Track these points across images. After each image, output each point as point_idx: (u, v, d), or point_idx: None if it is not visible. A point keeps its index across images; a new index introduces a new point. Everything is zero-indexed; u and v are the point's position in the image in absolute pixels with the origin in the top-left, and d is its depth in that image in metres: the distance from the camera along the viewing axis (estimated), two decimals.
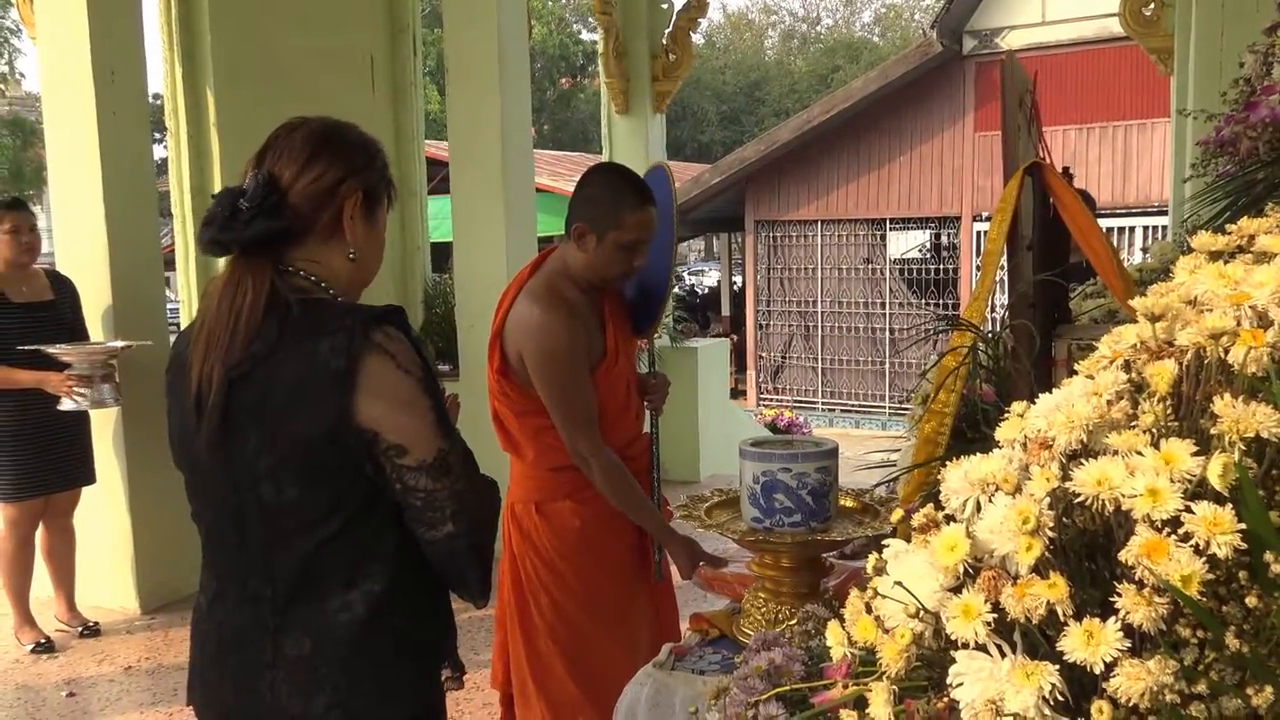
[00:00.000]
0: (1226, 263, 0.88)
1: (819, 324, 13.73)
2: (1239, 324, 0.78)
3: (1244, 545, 0.71)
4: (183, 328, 5.55)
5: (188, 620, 1.64)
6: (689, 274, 20.56)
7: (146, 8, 5.06)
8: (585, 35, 26.51)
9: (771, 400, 13.59)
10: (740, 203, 14.03)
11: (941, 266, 13.22)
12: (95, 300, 4.69)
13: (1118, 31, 6.69)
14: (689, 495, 2.12)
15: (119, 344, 4.50)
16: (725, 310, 17.25)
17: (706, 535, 2.07)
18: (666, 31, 7.55)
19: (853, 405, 13.58)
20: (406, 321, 1.48)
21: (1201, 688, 0.70)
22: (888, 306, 13.28)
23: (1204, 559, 0.71)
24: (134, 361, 4.61)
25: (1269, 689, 0.69)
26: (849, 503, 2.03)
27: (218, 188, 5.76)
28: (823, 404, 13.72)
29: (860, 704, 0.94)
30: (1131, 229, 11.73)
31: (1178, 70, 5.59)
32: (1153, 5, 5.79)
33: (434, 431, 1.44)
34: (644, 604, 2.60)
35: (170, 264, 5.97)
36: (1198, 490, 0.75)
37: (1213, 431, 0.74)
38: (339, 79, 6.11)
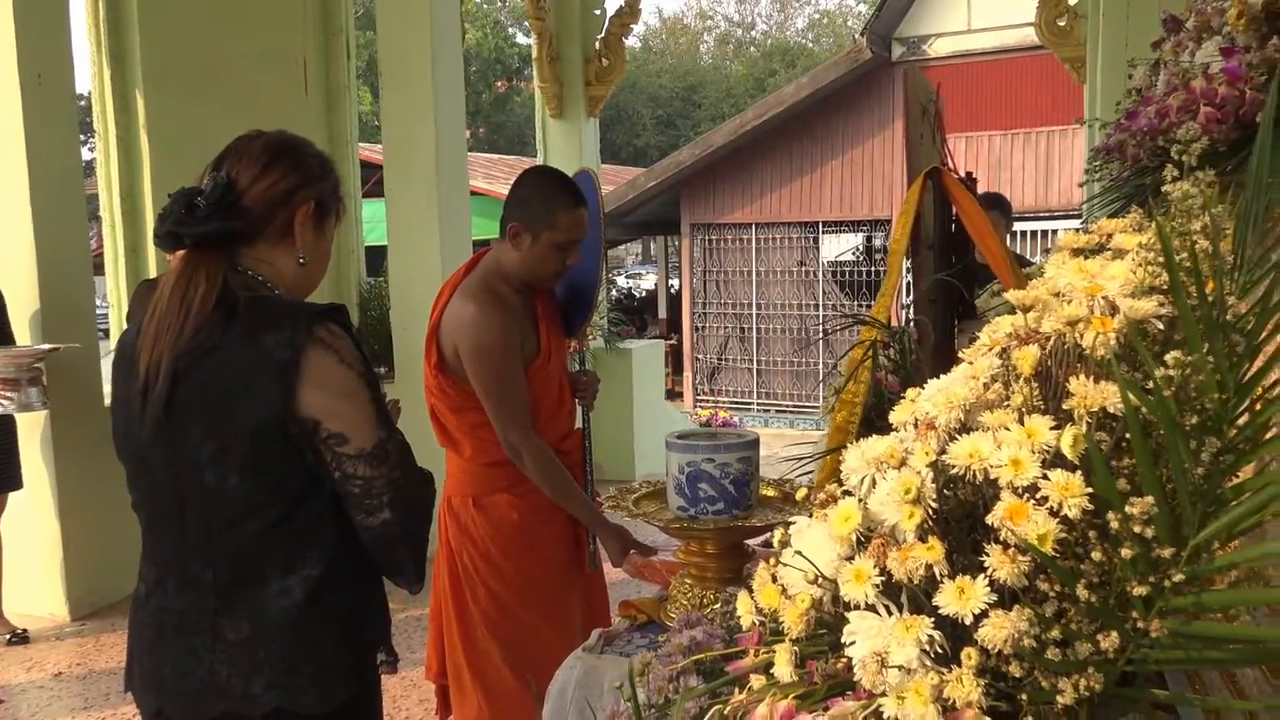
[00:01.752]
0: (1088, 258, 0.98)
1: (754, 326, 13.89)
2: (1092, 312, 0.88)
3: (1092, 507, 0.81)
4: (113, 330, 5.40)
5: (119, 626, 1.67)
6: (626, 277, 20.60)
7: (74, 9, 5.01)
8: (521, 39, 26.48)
9: (708, 401, 13.71)
10: (676, 206, 14.11)
11: (873, 269, 13.43)
12: (23, 303, 4.63)
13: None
14: (619, 487, 2.20)
15: (45, 347, 4.45)
16: (662, 313, 17.34)
17: (635, 526, 2.14)
18: (599, 37, 7.63)
19: (787, 406, 13.74)
20: (348, 319, 1.57)
21: (1055, 634, 0.79)
22: (821, 309, 13.46)
23: (1058, 520, 0.81)
24: (62, 365, 4.56)
25: (1115, 634, 0.79)
26: (770, 492, 2.13)
27: (147, 190, 5.74)
28: (758, 405, 13.88)
29: (769, 669, 1.02)
30: (1054, 231, 12.05)
31: (1089, 79, 5.80)
32: (1066, 16, 6.00)
33: (373, 422, 1.52)
34: (579, 594, 2.66)
35: (99, 267, 5.89)
36: (1056, 460, 0.85)
37: (1064, 407, 0.83)
38: (271, 81, 6.08)
